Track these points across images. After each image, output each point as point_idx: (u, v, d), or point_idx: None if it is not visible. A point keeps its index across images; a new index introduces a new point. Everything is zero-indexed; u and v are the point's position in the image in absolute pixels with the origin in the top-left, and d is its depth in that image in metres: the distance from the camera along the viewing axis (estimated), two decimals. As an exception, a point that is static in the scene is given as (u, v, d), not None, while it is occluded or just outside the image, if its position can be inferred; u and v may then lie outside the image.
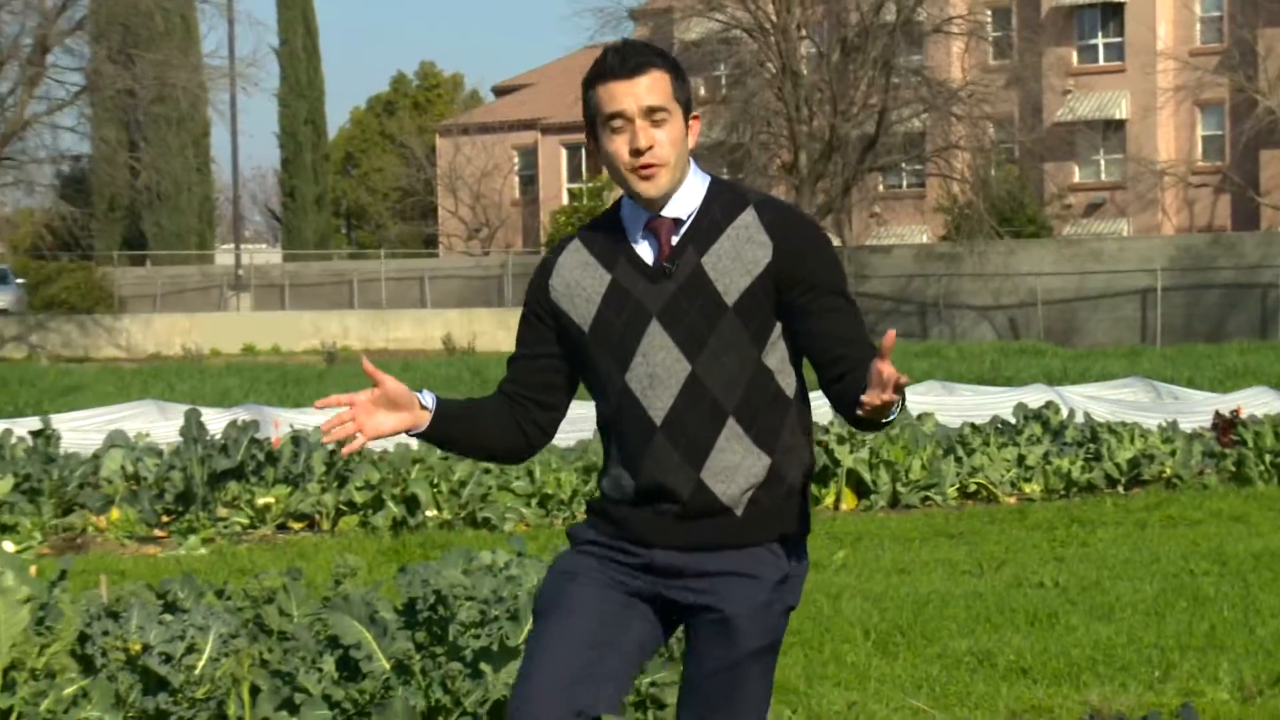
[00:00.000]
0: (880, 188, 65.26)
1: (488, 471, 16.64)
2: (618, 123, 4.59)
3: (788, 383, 4.70)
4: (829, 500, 16.86)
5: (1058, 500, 17.05)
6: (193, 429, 16.95)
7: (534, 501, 16.50)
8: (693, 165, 4.73)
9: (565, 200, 75.12)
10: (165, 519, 16.05)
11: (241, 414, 19.93)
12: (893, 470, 17.10)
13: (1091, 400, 23.23)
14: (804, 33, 53.06)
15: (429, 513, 15.46)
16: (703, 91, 60.27)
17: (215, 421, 18.38)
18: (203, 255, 74.92)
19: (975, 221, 55.98)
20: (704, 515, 4.63)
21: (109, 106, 54.85)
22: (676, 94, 4.63)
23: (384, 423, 4.61)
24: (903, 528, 15.43)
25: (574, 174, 76.81)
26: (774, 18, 51.99)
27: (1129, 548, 13.96)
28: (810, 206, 51.80)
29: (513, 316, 59.53)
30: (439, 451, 16.17)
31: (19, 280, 63.65)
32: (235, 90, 57.91)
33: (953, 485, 17.29)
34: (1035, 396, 21.99)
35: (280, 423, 19.77)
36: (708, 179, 4.74)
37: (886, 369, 4.35)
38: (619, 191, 4.77)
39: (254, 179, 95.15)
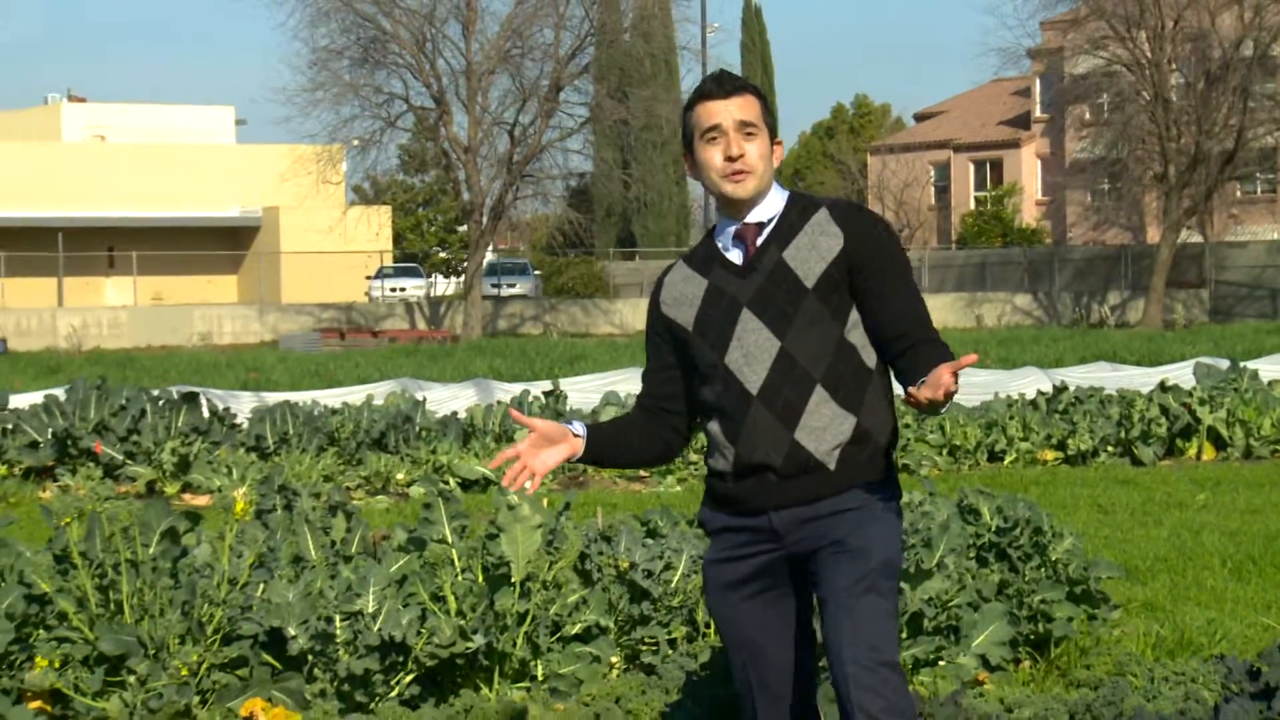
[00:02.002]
0: (1238, 194, 63.31)
1: (906, 425, 16.53)
2: (714, 134, 4.50)
3: (870, 357, 4.52)
4: (1191, 452, 16.74)
5: (1390, 457, 16.42)
6: (671, 391, 17.14)
7: (944, 451, 16.41)
8: (774, 183, 4.60)
9: (972, 205, 74.24)
10: (648, 462, 16.26)
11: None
12: (1246, 427, 16.90)
13: None
14: (1174, 66, 52.06)
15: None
16: (1088, 116, 59.33)
17: (688, 385, 18.55)
18: (680, 251, 75.68)
19: None
20: (801, 473, 4.48)
21: (607, 134, 55.80)
22: (764, 118, 4.52)
23: (549, 458, 4.55)
24: (1255, 475, 15.15)
25: (980, 184, 75.79)
26: (1149, 54, 51.34)
27: None
28: (1177, 211, 51.17)
29: (932, 302, 59.00)
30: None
31: (536, 272, 65.07)
32: (707, 120, 58.34)
33: (1299, 441, 17.00)
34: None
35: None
36: (786, 193, 4.61)
37: (946, 377, 4.21)
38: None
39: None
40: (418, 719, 6.47)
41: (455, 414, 17.47)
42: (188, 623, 6.93)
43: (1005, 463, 16.42)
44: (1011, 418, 17.08)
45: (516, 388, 19.55)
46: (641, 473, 15.97)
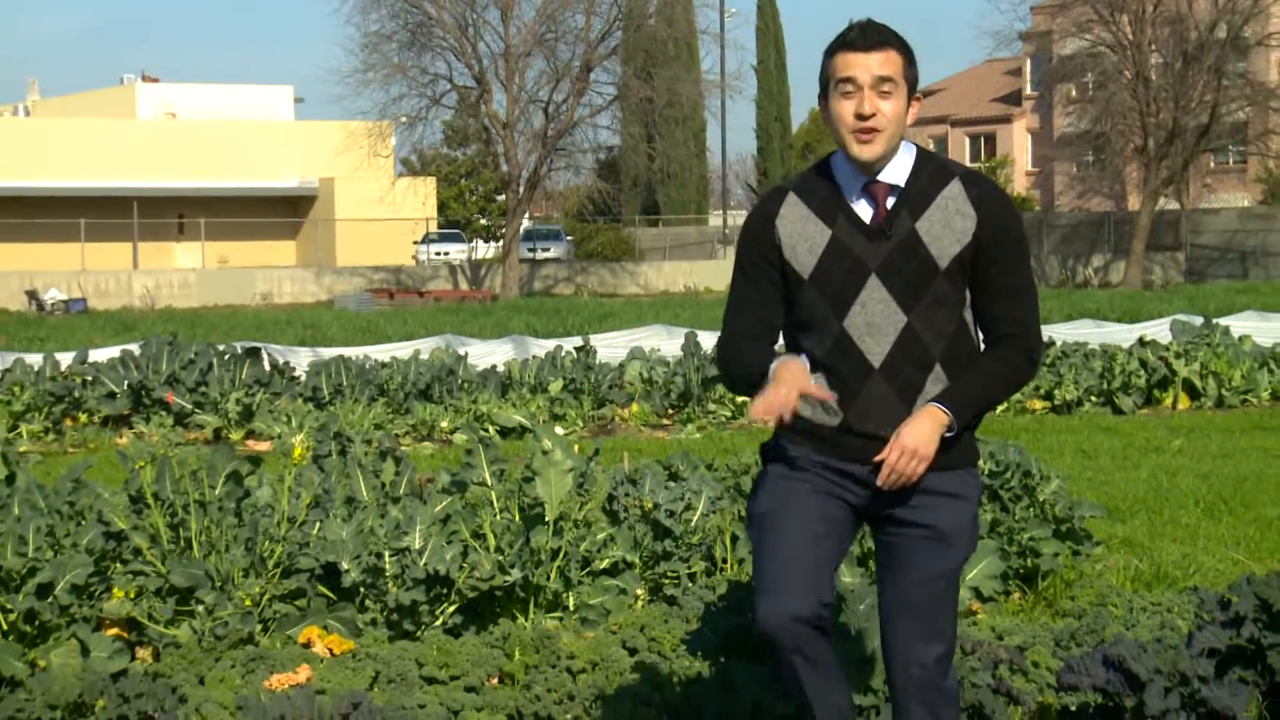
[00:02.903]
0: (1211, 164, 63.04)
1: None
2: (849, 88, 3.96)
3: (977, 335, 4.13)
4: (1168, 401, 16.73)
5: (1350, 407, 16.37)
6: (691, 346, 17.14)
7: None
8: (902, 139, 4.10)
9: (968, 176, 74.14)
10: (670, 412, 16.25)
11: (727, 335, 20.05)
12: (1218, 379, 16.90)
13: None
14: (1153, 47, 51.89)
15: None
16: (1074, 93, 59.18)
17: (708, 340, 18.54)
18: (699, 219, 75.56)
19: None
20: None
21: (633, 110, 55.60)
22: (906, 73, 3.99)
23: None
24: (1226, 422, 15.11)
25: (975, 156, 75.53)
26: (1130, 36, 51.26)
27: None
28: (1155, 180, 51.21)
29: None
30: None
31: (569, 237, 65.07)
32: (724, 98, 58.21)
33: (1266, 390, 16.98)
34: (1333, 326, 21.12)
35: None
36: (914, 148, 4.09)
37: (889, 460, 3.91)
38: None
39: (737, 162, 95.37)
40: (460, 646, 6.47)
41: (494, 367, 17.49)
42: (251, 557, 6.95)
43: (996, 412, 16.39)
44: (1003, 370, 17.03)
45: (550, 343, 19.56)
46: (664, 420, 15.95)
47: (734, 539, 7.52)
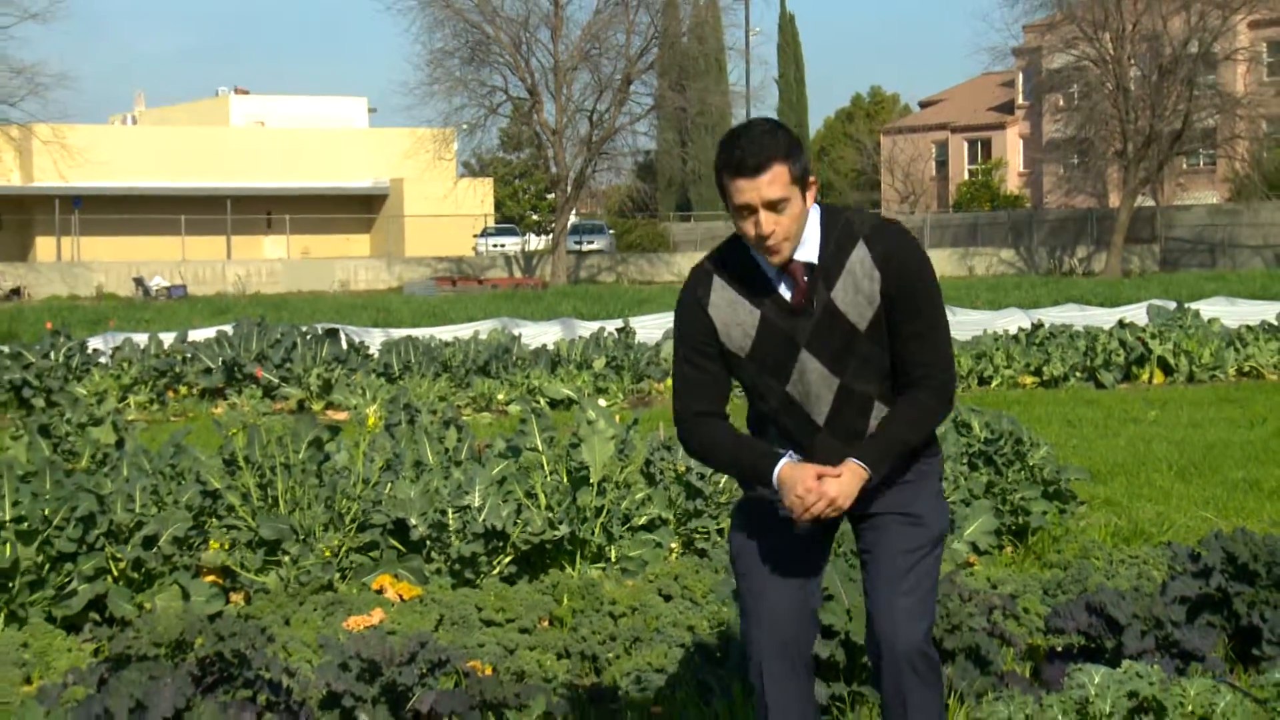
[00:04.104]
0: (1184, 166, 62.49)
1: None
2: (745, 211, 3.71)
3: None
4: (1144, 377, 16.65)
5: (1308, 382, 16.25)
6: (719, 327, 17.10)
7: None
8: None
9: (966, 176, 73.55)
10: (702, 385, 16.23)
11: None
12: (1189, 357, 16.77)
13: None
14: (1132, 62, 51.56)
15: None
16: (1061, 103, 58.81)
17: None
18: (727, 215, 75.34)
19: (1251, 187, 55.49)
20: None
21: (668, 118, 55.57)
22: (794, 178, 3.70)
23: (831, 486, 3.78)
24: (1196, 396, 15.01)
25: (972, 159, 75.03)
26: (1112, 52, 50.96)
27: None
28: (1134, 180, 50.96)
29: (933, 256, 58.17)
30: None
31: (610, 231, 65.00)
32: (749, 107, 58.00)
33: (1232, 367, 16.88)
34: (1293, 310, 20.91)
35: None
36: (818, 213, 3.82)
37: (806, 500, 3.72)
38: None
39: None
40: (514, 592, 6.48)
41: (545, 346, 17.48)
42: (330, 514, 6.96)
43: (992, 386, 16.32)
44: (997, 349, 16.97)
45: (595, 325, 19.53)
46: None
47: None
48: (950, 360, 3.87)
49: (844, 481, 3.75)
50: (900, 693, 3.81)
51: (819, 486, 3.73)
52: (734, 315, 3.84)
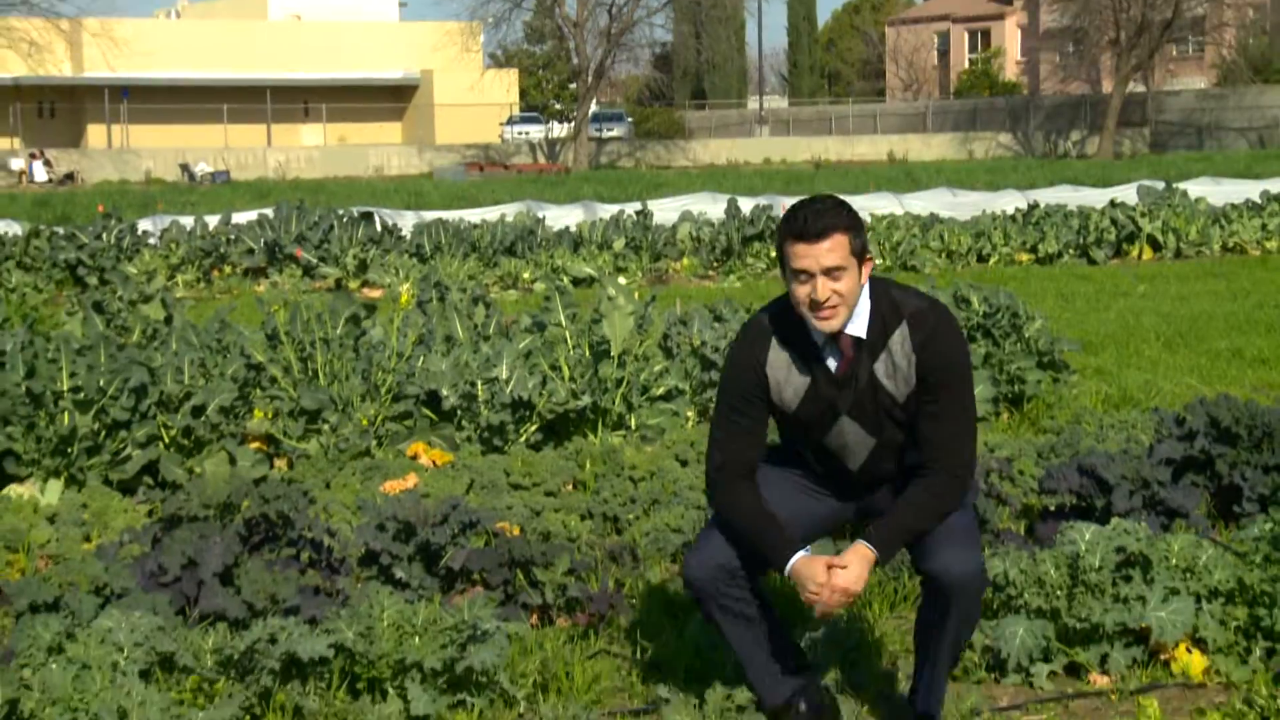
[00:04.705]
0: (1174, 53, 61.77)
1: (914, 235, 16.31)
2: (802, 276, 3.65)
3: None
4: (1134, 253, 16.64)
5: (1289, 258, 16.16)
6: (732, 210, 17.03)
7: (942, 254, 16.24)
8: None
9: (966, 65, 72.70)
10: (715, 265, 16.18)
11: (762, 200, 19.88)
12: (1177, 234, 16.69)
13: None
14: (1128, -49, 50.94)
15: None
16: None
17: (746, 205, 18.42)
18: (739, 103, 74.72)
19: (1238, 73, 55.47)
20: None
21: (684, 11, 55.02)
22: (854, 250, 3.65)
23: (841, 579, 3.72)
24: (1183, 270, 14.96)
25: (972, 48, 74.10)
26: (1107, -59, 50.33)
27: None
28: (1126, 67, 50.63)
29: (935, 140, 58.27)
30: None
31: (629, 119, 64.53)
32: (760, 0, 57.36)
33: (1217, 243, 16.79)
34: (1276, 185, 20.71)
35: (784, 205, 19.62)
36: (869, 291, 3.76)
37: (822, 599, 3.66)
38: None
39: (771, 55, 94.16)
40: (540, 458, 6.50)
41: (568, 228, 17.42)
42: (366, 385, 6.97)
43: (990, 263, 16.25)
44: (995, 228, 16.88)
45: (614, 208, 19.41)
46: (710, 272, 15.86)
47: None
48: (968, 450, 3.79)
49: (852, 571, 3.68)
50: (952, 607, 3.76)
51: (831, 581, 3.67)
52: (788, 377, 3.79)
